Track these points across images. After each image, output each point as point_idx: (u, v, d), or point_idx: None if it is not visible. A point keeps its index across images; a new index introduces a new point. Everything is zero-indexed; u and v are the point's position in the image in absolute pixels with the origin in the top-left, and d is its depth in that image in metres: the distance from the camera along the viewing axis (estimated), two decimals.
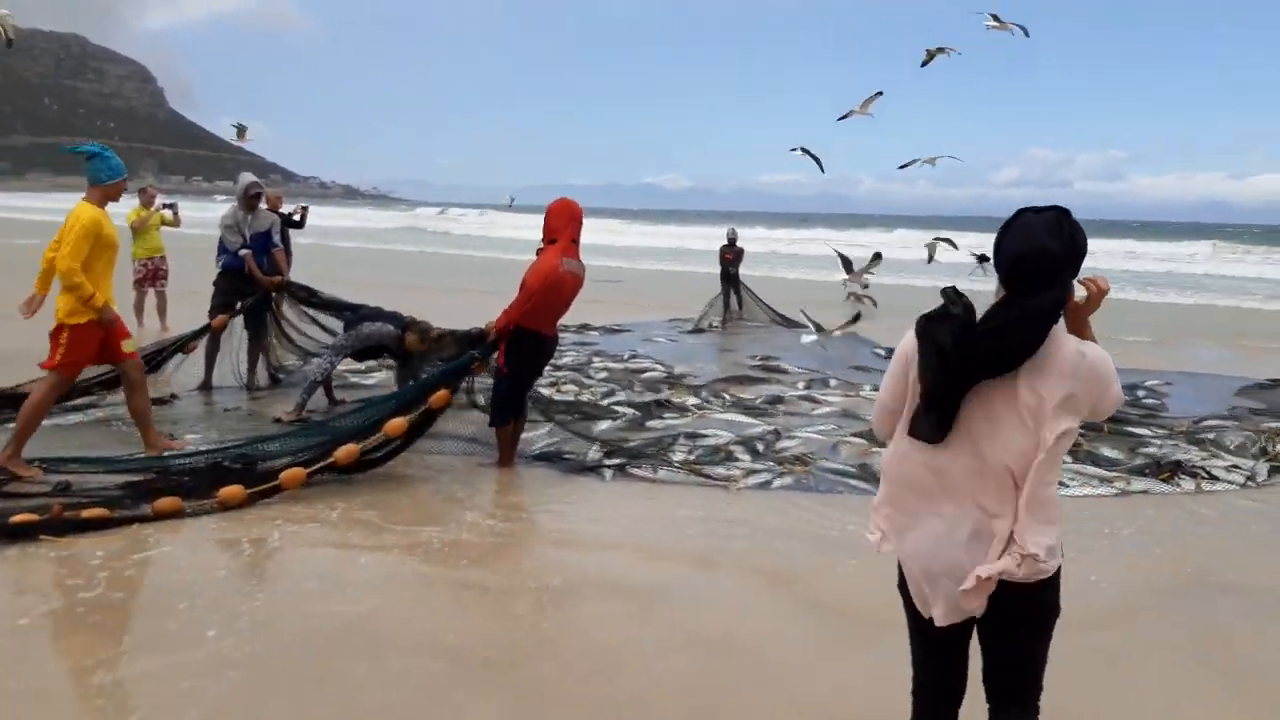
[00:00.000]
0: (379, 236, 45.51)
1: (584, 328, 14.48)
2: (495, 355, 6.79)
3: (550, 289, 6.49)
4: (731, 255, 16.57)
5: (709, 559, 5.21)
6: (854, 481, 6.74)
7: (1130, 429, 8.61)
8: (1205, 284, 29.26)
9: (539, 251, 6.69)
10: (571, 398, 9.13)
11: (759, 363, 11.84)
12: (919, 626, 2.60)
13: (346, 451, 6.19)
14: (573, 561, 5.17)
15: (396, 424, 6.35)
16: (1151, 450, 7.85)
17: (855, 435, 7.97)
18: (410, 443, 6.61)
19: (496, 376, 6.79)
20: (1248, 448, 8.06)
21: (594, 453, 7.10)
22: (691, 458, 7.15)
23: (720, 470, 6.83)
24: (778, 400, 9.39)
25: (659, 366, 11.24)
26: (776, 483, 6.64)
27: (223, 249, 9.04)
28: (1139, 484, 6.88)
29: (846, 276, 12.40)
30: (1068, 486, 6.78)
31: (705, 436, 7.74)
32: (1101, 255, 34.71)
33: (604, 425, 8.09)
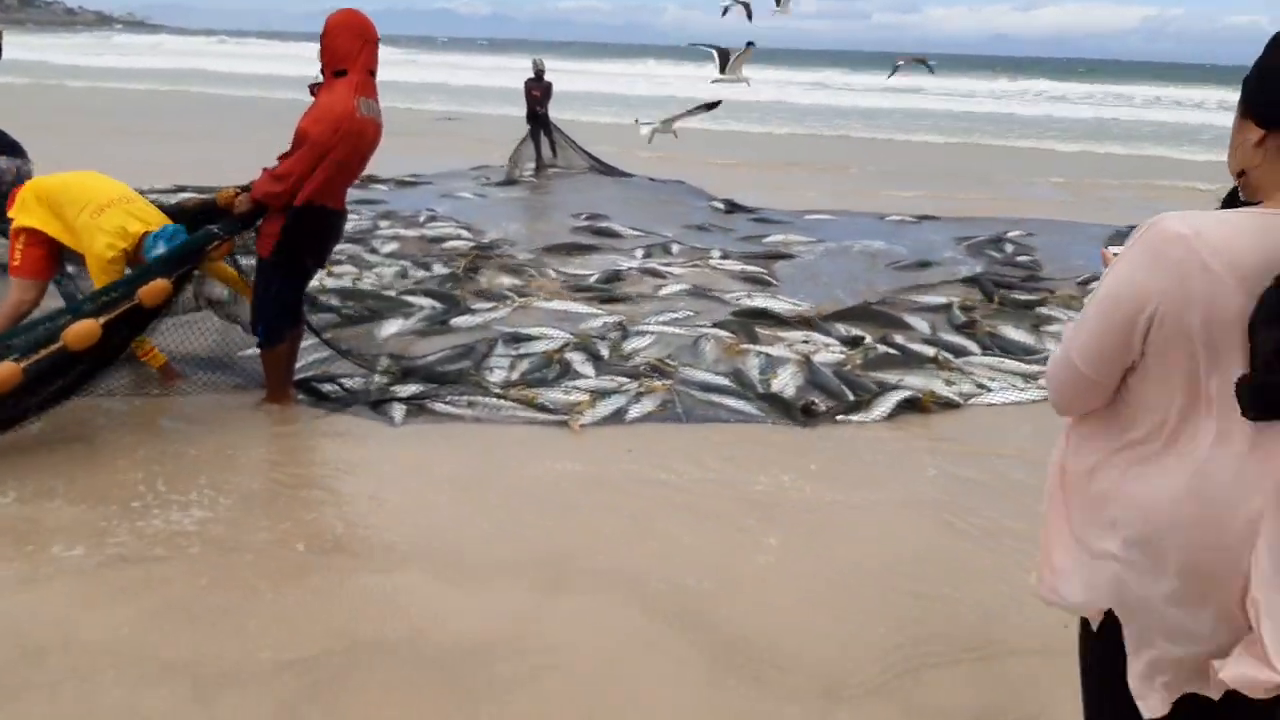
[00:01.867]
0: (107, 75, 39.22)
1: (369, 181, 12.03)
2: (252, 237, 4.67)
3: (345, 143, 4.40)
4: (539, 91, 14.30)
5: (560, 576, 3.44)
6: (731, 401, 5.10)
7: (1020, 296, 7.40)
8: (1021, 122, 29.04)
9: (316, 89, 4.53)
10: (350, 284, 7.01)
11: (585, 223, 9.94)
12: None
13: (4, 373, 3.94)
14: (336, 600, 3.28)
15: (83, 329, 4.08)
16: (1059, 328, 6.63)
17: (716, 326, 6.31)
18: (108, 362, 4.47)
19: (260, 271, 4.67)
20: None
21: (379, 377, 5.12)
22: (515, 375, 5.30)
23: (557, 395, 5.02)
24: (615, 277, 7.59)
25: (464, 232, 9.17)
26: (633, 410, 4.90)
27: None
28: None
29: (719, 76, 10.56)
30: (989, 391, 5.41)
31: (531, 338, 5.88)
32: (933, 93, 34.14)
33: (393, 327, 6.06)
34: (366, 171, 12.01)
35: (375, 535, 3.74)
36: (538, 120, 14.31)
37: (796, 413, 4.97)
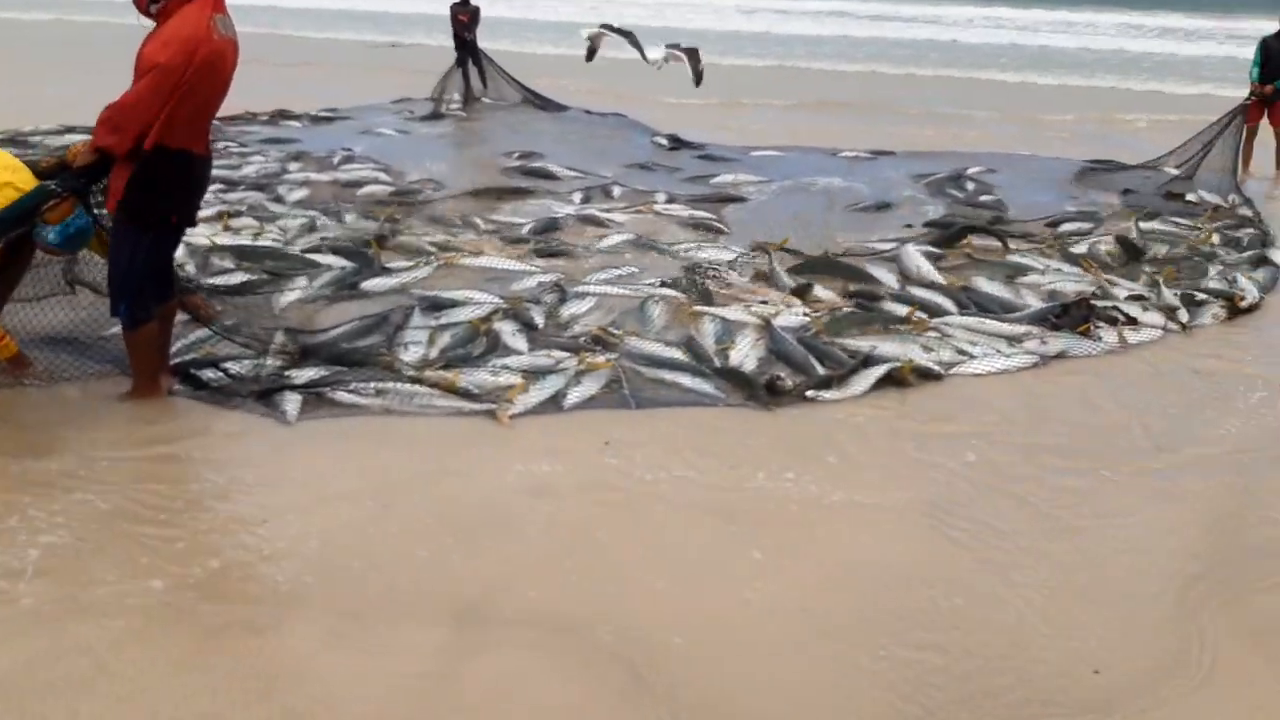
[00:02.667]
0: None
1: (280, 116, 11.02)
2: (100, 194, 3.85)
3: (202, 71, 3.63)
4: (466, 16, 13.21)
5: (483, 624, 2.79)
6: (685, 379, 4.43)
7: (990, 240, 6.84)
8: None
9: (159, 11, 3.67)
10: (249, 241, 6.16)
11: (517, 163, 9.11)
12: None
13: None
14: (205, 669, 2.59)
15: None
16: (1035, 279, 6.09)
17: (665, 284, 5.63)
18: None
19: (115, 236, 3.87)
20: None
21: (271, 360, 4.35)
22: (434, 352, 4.57)
23: (483, 376, 4.31)
24: (551, 227, 6.85)
25: (383, 175, 8.31)
26: (573, 393, 4.22)
27: None
28: (1055, 342, 5.05)
29: (657, 55, 9.93)
30: (972, 358, 4.84)
31: (454, 304, 5.14)
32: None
33: (294, 293, 5.27)
34: (279, 106, 11.42)
35: (260, 572, 3.05)
36: (465, 48, 13.27)
37: (760, 391, 4.35)
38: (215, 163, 8.17)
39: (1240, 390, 4.64)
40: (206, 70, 3.65)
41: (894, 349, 4.78)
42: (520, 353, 4.58)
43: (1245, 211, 8.10)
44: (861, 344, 4.87)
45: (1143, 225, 7.42)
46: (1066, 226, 7.46)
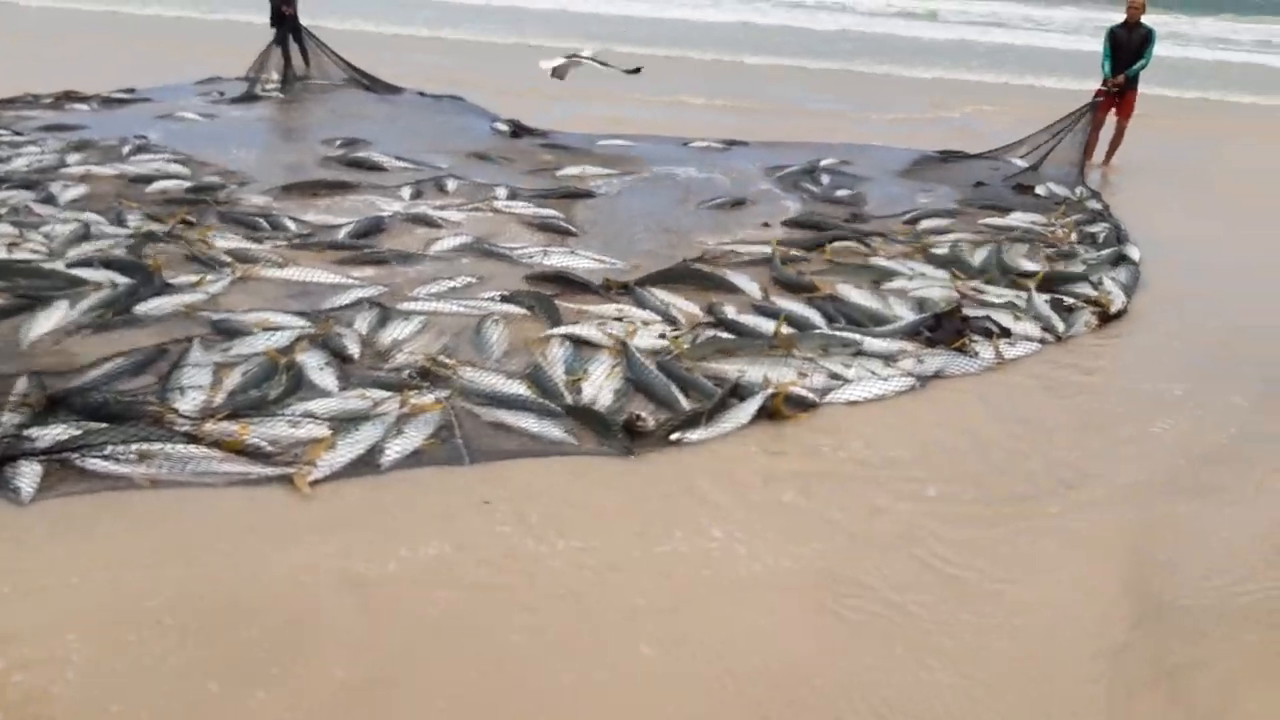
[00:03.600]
0: None
1: (66, 98, 9.67)
2: None
3: None
4: None
5: None
6: (532, 423, 3.76)
7: (853, 242, 6.47)
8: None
9: None
10: (2, 253, 5.12)
11: (339, 151, 8.18)
12: None
13: None
14: None
15: None
16: (902, 284, 5.72)
17: (505, 299, 4.96)
18: None
19: None
20: (996, 263, 6.22)
21: (8, 415, 3.44)
22: (220, 397, 3.76)
23: (280, 428, 3.54)
24: (374, 229, 6.04)
25: (178, 167, 7.26)
26: (392, 448, 3.50)
27: None
28: (932, 360, 4.66)
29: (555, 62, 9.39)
30: (846, 382, 4.38)
31: (245, 334, 4.31)
32: None
33: (50, 321, 4.31)
34: (67, 87, 10.04)
35: None
36: (284, 22, 12.07)
37: (617, 434, 3.75)
38: None
39: (1126, 408, 4.35)
40: None
41: (764, 373, 4.28)
42: (329, 393, 3.82)
43: (1094, 204, 8.06)
44: (728, 367, 4.34)
45: (996, 222, 7.26)
46: (926, 224, 7.19)
